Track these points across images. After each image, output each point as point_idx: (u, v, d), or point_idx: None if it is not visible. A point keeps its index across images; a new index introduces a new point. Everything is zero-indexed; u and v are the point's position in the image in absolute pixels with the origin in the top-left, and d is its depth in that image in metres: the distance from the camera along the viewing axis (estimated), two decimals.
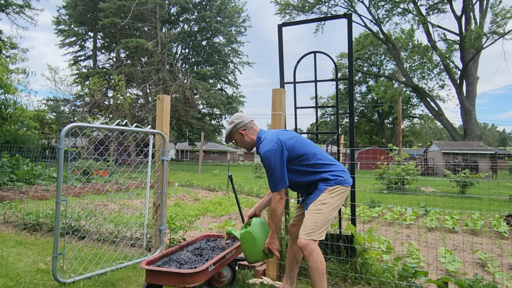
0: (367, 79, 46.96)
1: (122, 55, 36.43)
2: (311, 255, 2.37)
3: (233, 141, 2.82)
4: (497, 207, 8.52)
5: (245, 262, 3.51)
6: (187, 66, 39.41)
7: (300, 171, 2.58)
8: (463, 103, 25.75)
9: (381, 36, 29.17)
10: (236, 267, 3.46)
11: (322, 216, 2.45)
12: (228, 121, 3.42)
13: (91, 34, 36.94)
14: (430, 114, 34.80)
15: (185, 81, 31.80)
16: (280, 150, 2.48)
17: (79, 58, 38.27)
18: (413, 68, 37.74)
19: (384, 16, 29.44)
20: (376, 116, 49.08)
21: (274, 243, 2.64)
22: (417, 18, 26.12)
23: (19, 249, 3.99)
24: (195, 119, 35.20)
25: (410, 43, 26.44)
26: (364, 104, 49.19)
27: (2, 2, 26.59)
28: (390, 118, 47.45)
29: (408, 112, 47.20)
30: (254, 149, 2.75)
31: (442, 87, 38.43)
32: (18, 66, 9.80)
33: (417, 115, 47.79)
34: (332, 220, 2.56)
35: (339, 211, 3.61)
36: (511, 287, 3.03)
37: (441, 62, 27.05)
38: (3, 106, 9.21)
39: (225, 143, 2.74)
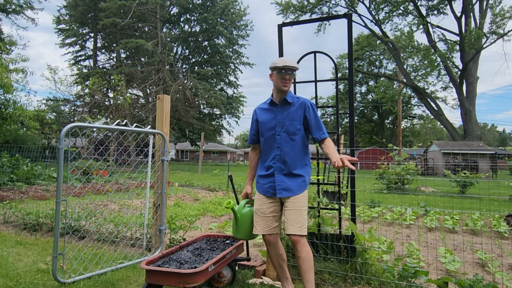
0: (367, 79, 46.99)
1: (123, 55, 36.43)
2: (305, 246, 2.52)
3: (293, 73, 2.67)
4: (497, 207, 8.51)
5: (245, 262, 3.51)
6: (187, 67, 39.39)
7: (304, 141, 2.73)
8: (463, 103, 25.75)
9: (382, 36, 29.19)
10: (236, 267, 3.46)
11: (305, 212, 2.63)
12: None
13: (92, 34, 36.94)
14: (430, 114, 34.86)
15: (185, 82, 31.79)
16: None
17: (79, 58, 38.32)
18: (414, 68, 37.77)
19: (385, 16, 29.47)
20: (376, 116, 49.09)
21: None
22: (416, 20, 26.15)
23: (19, 249, 3.98)
24: (196, 119, 35.20)
25: (410, 46, 26.43)
26: (364, 104, 49.21)
27: (2, 2, 26.58)
28: (390, 118, 47.48)
29: (409, 112, 47.23)
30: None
31: (444, 88, 38.49)
32: (17, 66, 9.84)
33: (417, 115, 47.86)
34: None
35: (339, 211, 3.61)
36: (511, 287, 3.03)
37: (441, 63, 27.06)
38: (2, 106, 9.23)
39: (287, 66, 2.61)
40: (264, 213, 2.69)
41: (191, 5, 36.05)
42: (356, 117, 47.60)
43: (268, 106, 2.78)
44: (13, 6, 27.53)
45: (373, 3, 28.41)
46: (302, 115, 2.66)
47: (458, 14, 25.49)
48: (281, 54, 3.71)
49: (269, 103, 2.78)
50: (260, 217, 2.69)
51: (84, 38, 37.46)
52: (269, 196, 2.70)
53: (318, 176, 3.74)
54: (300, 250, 2.49)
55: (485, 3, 25.03)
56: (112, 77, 17.71)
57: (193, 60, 40.61)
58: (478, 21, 24.67)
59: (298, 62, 3.72)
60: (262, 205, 2.71)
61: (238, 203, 3.05)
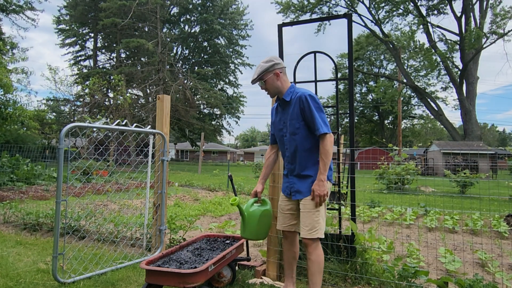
0: (367, 79, 46.99)
1: (123, 55, 36.43)
2: (315, 249, 2.52)
3: (261, 81, 2.62)
4: (497, 207, 8.51)
5: (245, 262, 3.51)
6: (187, 67, 39.36)
7: (309, 139, 2.55)
8: (463, 103, 25.75)
9: (382, 36, 29.20)
10: (236, 267, 3.45)
11: (316, 214, 2.51)
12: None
13: (92, 34, 36.93)
14: (430, 114, 34.87)
15: (185, 82, 31.79)
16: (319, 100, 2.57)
17: (80, 58, 38.30)
18: (416, 69, 37.76)
19: (385, 16, 29.47)
20: (376, 116, 49.08)
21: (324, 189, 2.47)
22: (416, 20, 26.14)
23: (19, 249, 3.98)
24: (196, 119, 35.20)
25: (412, 44, 26.41)
26: (364, 104, 49.20)
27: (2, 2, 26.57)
28: (390, 118, 47.47)
29: (409, 112, 47.22)
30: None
31: (444, 89, 38.52)
32: (17, 65, 9.90)
33: (417, 116, 47.87)
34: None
35: (339, 211, 3.61)
36: (511, 287, 3.03)
37: (441, 63, 27.06)
38: (3, 106, 9.24)
39: (251, 83, 2.66)
40: (282, 209, 2.79)
41: (191, 5, 36.04)
42: (356, 117, 47.58)
43: (277, 106, 2.77)
44: (13, 6, 27.51)
45: (373, 3, 28.40)
46: (298, 111, 2.54)
47: (458, 14, 25.49)
48: (281, 54, 3.71)
49: (278, 102, 2.75)
50: (280, 213, 2.80)
51: (84, 38, 37.45)
52: (286, 195, 2.77)
53: None
54: (311, 252, 2.51)
55: (485, 3, 25.03)
56: (112, 77, 17.72)
57: (193, 60, 40.56)
58: (478, 21, 24.67)
59: (298, 62, 3.73)
60: (282, 202, 2.81)
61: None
